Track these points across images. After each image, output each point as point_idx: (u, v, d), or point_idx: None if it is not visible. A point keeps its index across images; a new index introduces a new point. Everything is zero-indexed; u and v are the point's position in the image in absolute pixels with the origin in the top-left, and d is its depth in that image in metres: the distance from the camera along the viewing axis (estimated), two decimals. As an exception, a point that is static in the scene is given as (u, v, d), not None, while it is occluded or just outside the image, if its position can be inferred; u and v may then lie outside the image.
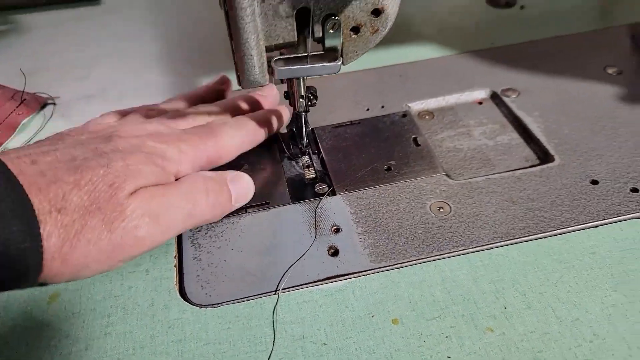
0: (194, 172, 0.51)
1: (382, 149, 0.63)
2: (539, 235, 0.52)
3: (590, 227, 0.52)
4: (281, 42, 0.47)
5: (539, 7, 0.89)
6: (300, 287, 0.49)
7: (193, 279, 0.50)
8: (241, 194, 0.53)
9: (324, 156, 0.62)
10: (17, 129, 0.70)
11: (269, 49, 0.47)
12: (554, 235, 0.51)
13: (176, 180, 0.49)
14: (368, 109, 0.69)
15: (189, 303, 0.48)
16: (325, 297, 0.48)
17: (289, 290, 0.49)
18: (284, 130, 0.66)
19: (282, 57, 0.48)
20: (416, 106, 0.69)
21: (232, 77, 0.73)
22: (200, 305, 0.48)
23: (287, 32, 0.46)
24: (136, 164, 0.45)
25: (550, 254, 0.50)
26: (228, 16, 0.44)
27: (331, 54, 0.49)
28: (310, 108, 0.57)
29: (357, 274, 0.50)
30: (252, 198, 0.57)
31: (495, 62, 0.76)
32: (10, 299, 0.50)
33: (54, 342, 0.46)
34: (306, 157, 0.62)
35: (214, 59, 0.82)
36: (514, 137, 0.64)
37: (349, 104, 0.70)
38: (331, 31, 0.47)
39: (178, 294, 0.49)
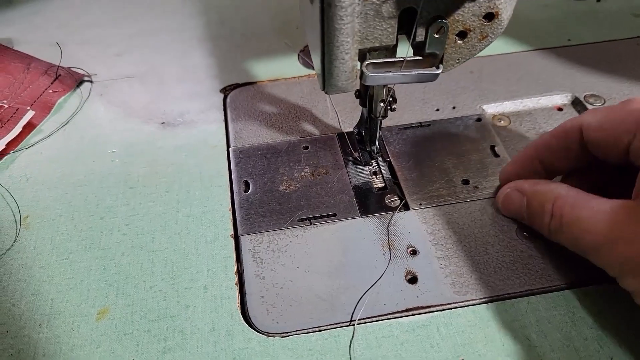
0: None
1: (457, 157, 0.57)
2: (642, 272, 0.46)
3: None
4: (378, 44, 0.40)
5: (617, 2, 0.81)
6: (378, 318, 0.44)
7: (257, 301, 0.45)
8: None
9: (392, 162, 0.56)
10: (53, 109, 0.64)
11: (361, 52, 0.41)
12: (658, 274, 0.46)
13: None
14: (438, 110, 0.63)
15: (255, 330, 0.44)
16: (407, 332, 0.43)
17: (365, 322, 0.44)
18: (347, 128, 0.60)
19: (373, 60, 0.42)
20: (490, 109, 0.63)
21: (295, 67, 0.69)
22: (268, 334, 0.43)
23: (387, 34, 0.40)
24: None
25: (657, 297, 0.44)
26: (323, 14, 0.37)
27: (429, 60, 0.42)
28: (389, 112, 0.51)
29: (440, 307, 0.45)
30: (317, 208, 0.52)
31: (574, 61, 0.69)
32: (54, 312, 0.45)
33: (105, 367, 0.42)
34: (373, 163, 0.56)
35: (260, 40, 0.76)
36: (601, 151, 0.58)
37: (416, 102, 0.64)
38: (436, 35, 0.40)
39: (241, 318, 0.44)
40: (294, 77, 0.69)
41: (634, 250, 0.37)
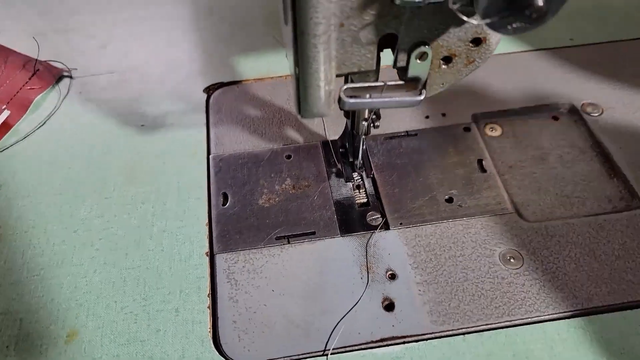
0: None
1: (442, 171, 0.55)
2: (625, 305, 0.45)
3: (685, 300, 0.45)
4: (356, 70, 0.38)
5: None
6: (351, 348, 0.43)
7: (229, 326, 0.45)
8: None
9: (375, 175, 0.54)
10: (30, 108, 0.62)
11: (338, 76, 0.39)
12: (643, 307, 0.45)
13: None
14: (427, 117, 0.60)
15: (225, 358, 0.43)
16: (380, 364, 0.42)
17: (339, 351, 0.43)
18: (332, 136, 0.58)
19: (351, 85, 0.40)
20: (482, 117, 0.61)
21: (282, 65, 0.66)
22: (238, 363, 0.42)
23: (366, 60, 0.37)
24: None
25: (639, 331, 0.43)
26: (296, 41, 0.35)
27: (411, 85, 0.40)
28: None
29: (416, 337, 0.44)
30: (296, 225, 0.50)
31: (575, 64, 0.66)
32: (22, 333, 0.44)
33: (73, 394, 0.41)
34: (357, 176, 0.55)
35: (249, 33, 0.72)
36: (594, 167, 0.56)
37: (406, 108, 0.61)
38: (418, 61, 0.38)
39: (212, 345, 0.43)
40: (281, 76, 0.66)
41: None
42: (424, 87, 0.40)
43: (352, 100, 0.39)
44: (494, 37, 0.38)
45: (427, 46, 0.37)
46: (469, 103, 0.61)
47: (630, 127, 0.58)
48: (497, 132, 0.59)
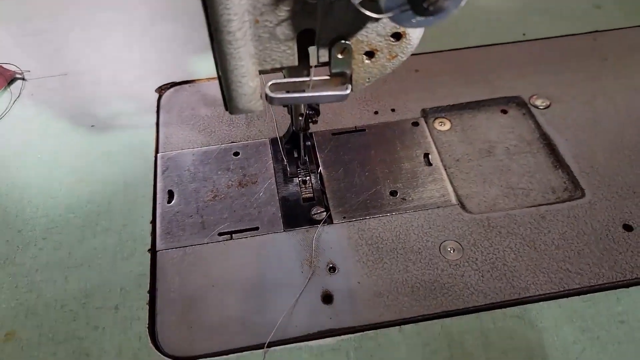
0: None
1: (389, 166, 0.55)
2: (561, 293, 0.45)
3: (620, 287, 0.46)
4: (278, 66, 0.38)
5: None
6: (288, 342, 0.43)
7: (167, 322, 0.45)
8: None
9: (322, 171, 0.55)
10: (-20, 111, 0.62)
11: (262, 73, 0.39)
12: (578, 295, 0.45)
13: None
14: (377, 112, 0.61)
15: (162, 354, 0.43)
16: (315, 357, 0.42)
17: (275, 345, 0.43)
18: (283, 132, 0.58)
19: (277, 81, 0.40)
20: (432, 111, 0.61)
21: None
22: (174, 358, 0.43)
23: (287, 56, 0.38)
24: None
25: (573, 319, 0.44)
26: (212, 39, 0.35)
27: (338, 79, 0.40)
28: (311, 124, 0.49)
29: (352, 330, 0.44)
30: (241, 221, 0.50)
31: (526, 59, 0.67)
32: (-38, 333, 0.44)
33: (8, 393, 0.41)
34: (302, 172, 0.55)
35: (203, 36, 0.72)
36: (540, 159, 0.56)
37: (356, 104, 0.62)
38: (339, 56, 0.38)
39: (149, 341, 0.44)
40: (235, 75, 0.66)
41: None
42: (350, 81, 0.41)
43: (278, 96, 0.40)
44: (413, 32, 0.38)
45: (346, 41, 0.37)
46: (419, 98, 0.62)
47: (576, 120, 0.59)
48: (446, 126, 0.60)
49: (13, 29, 0.74)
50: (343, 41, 0.37)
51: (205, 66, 0.67)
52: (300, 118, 0.47)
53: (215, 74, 0.64)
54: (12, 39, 0.72)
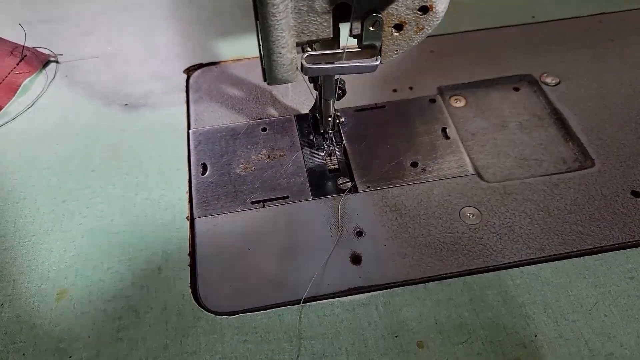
0: None
1: (409, 139, 0.58)
2: (574, 253, 0.49)
3: (629, 247, 0.49)
4: (315, 38, 0.41)
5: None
6: (321, 298, 0.47)
7: (208, 281, 0.48)
8: None
9: (345, 144, 0.58)
10: (18, 91, 0.65)
11: (299, 44, 0.42)
12: (590, 254, 0.49)
13: None
14: (395, 90, 0.64)
15: (204, 309, 0.46)
16: (347, 311, 0.46)
17: (309, 301, 0.47)
18: (305, 110, 0.61)
19: (312, 53, 0.43)
20: (447, 89, 0.64)
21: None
22: (216, 313, 0.46)
23: (323, 28, 0.41)
24: None
25: (586, 276, 0.47)
26: (257, 11, 0.38)
27: (368, 51, 0.43)
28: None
29: (380, 287, 0.47)
30: (271, 190, 0.54)
31: (535, 40, 0.70)
32: (16, 293, 0.48)
33: (64, 344, 0.45)
34: (327, 145, 0.58)
35: (226, 19, 0.76)
36: (551, 132, 0.60)
37: (375, 82, 0.65)
38: (371, 29, 0.41)
39: (192, 298, 0.47)
40: (257, 57, 0.69)
41: None
42: (380, 53, 0.44)
43: (313, 67, 0.43)
44: (440, 5, 0.41)
45: (378, 15, 0.40)
46: (435, 77, 0.65)
47: (585, 96, 0.62)
48: (461, 103, 0.63)
49: (42, 14, 0.76)
50: (375, 14, 0.40)
51: (230, 48, 0.70)
52: (329, 119, 0.51)
53: (239, 56, 0.67)
54: (42, 23, 0.75)
